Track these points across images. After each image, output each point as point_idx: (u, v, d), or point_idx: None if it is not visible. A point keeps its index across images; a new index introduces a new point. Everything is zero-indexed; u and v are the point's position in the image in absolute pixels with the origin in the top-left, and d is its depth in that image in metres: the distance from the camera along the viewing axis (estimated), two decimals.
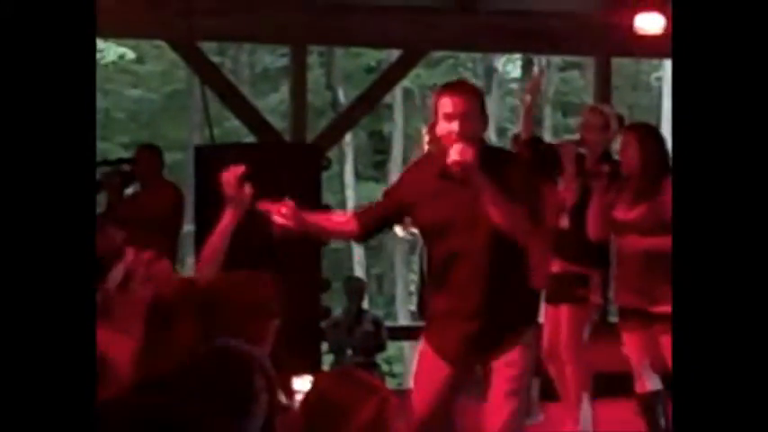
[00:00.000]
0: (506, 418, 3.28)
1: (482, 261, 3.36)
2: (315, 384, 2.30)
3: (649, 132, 4.76)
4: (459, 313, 3.39)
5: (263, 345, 2.55)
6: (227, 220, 2.94)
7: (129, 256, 3.27)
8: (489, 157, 3.34)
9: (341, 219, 4.02)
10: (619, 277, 4.83)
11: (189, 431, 1.69)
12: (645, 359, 4.60)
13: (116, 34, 9.94)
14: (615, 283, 4.93)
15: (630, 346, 4.66)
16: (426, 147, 5.23)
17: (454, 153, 3.25)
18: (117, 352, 2.38)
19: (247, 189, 2.91)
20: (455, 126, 3.35)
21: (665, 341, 4.32)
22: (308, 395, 2.18)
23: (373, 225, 3.70)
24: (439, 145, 3.79)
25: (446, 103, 3.41)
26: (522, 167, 3.75)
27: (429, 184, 3.52)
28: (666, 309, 4.05)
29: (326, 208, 6.63)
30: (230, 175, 2.89)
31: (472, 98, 3.52)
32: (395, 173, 12.53)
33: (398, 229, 6.83)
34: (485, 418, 3.38)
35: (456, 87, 3.64)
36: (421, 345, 3.60)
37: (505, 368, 3.31)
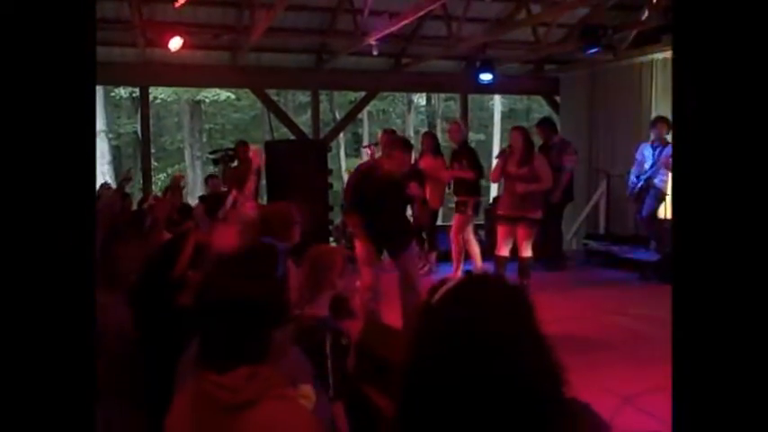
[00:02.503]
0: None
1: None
2: (311, 251, 3.02)
3: (521, 128, 7.25)
4: None
5: (294, 237, 3.47)
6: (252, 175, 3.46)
7: (233, 195, 4.88)
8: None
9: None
10: (503, 200, 7.15)
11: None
12: (506, 240, 6.97)
13: (225, 86, 15.08)
14: (500, 203, 7.26)
15: (500, 233, 7.00)
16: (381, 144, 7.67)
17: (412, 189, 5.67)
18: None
19: (261, 159, 3.32)
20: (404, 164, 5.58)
21: (519, 232, 6.85)
22: (309, 254, 2.94)
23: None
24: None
25: (400, 153, 5.48)
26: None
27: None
28: (522, 215, 6.76)
29: (330, 171, 10.64)
30: (252, 152, 3.33)
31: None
32: (363, 154, 20.44)
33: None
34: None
35: (406, 145, 5.70)
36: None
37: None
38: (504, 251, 6.95)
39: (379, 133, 9.62)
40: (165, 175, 20.93)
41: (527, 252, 6.94)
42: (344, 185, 6.78)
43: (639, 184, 8.50)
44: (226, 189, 7.55)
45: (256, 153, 3.65)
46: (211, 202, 7.65)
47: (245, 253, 2.24)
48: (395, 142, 5.87)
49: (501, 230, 6.94)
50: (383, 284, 5.62)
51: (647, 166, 8.45)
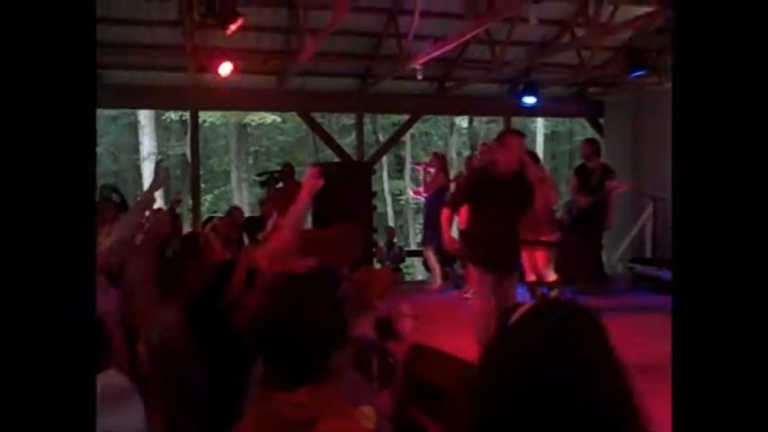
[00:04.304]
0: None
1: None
2: (360, 272, 3.21)
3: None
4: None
5: (349, 260, 3.69)
6: (305, 197, 3.09)
7: (273, 218, 4.94)
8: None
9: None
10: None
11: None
12: (528, 265, 6.92)
13: (272, 109, 15.37)
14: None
15: (523, 259, 6.75)
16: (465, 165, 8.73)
17: (534, 169, 5.06)
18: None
19: (319, 181, 3.08)
20: (520, 151, 5.03)
21: (537, 255, 6.91)
22: (355, 276, 3.14)
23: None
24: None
25: (515, 139, 5.12)
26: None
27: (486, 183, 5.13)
28: (537, 238, 6.68)
29: (374, 193, 11.15)
30: (311, 172, 3.13)
31: (524, 138, 5.25)
32: (407, 176, 21.35)
33: (410, 195, 11.42)
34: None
35: (519, 132, 5.37)
36: None
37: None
38: (532, 276, 6.87)
39: (428, 156, 10.07)
40: (211, 196, 21.31)
41: (551, 276, 6.82)
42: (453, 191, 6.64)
43: None
44: (262, 213, 7.78)
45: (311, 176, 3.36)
46: (253, 225, 8.00)
47: (307, 275, 2.28)
48: (504, 133, 5.67)
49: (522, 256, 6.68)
50: (434, 308, 5.53)
51: None
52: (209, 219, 8.37)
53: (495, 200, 5.05)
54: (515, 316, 1.29)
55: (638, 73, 9.01)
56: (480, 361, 1.33)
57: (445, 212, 5.61)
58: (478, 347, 4.68)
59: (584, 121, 13.87)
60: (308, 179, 3.06)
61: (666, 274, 8.85)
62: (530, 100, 10.43)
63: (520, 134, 5.37)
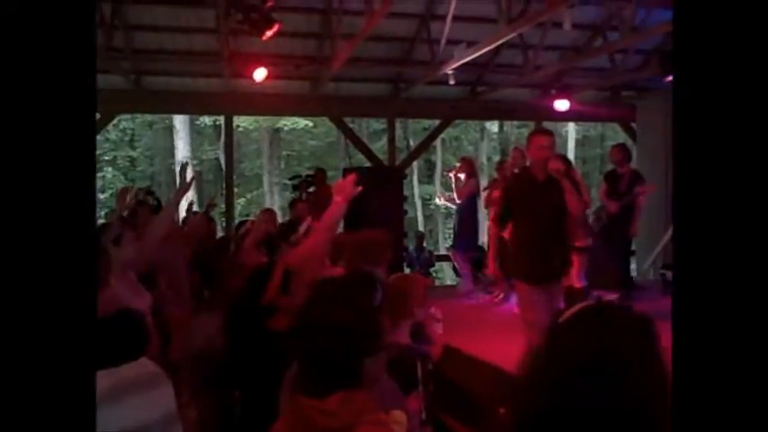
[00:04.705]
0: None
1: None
2: (392, 279, 3.15)
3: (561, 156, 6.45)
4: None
5: (384, 264, 3.47)
6: (341, 203, 3.05)
7: (307, 221, 4.83)
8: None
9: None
10: None
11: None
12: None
13: (305, 114, 15.28)
14: None
15: None
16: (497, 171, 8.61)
17: (556, 166, 4.65)
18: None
19: (356, 188, 3.09)
20: (549, 151, 4.70)
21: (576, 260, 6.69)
22: (390, 283, 2.99)
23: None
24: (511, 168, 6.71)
25: (542, 139, 4.80)
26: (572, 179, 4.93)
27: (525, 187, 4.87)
28: (571, 244, 5.96)
29: (405, 198, 10.95)
30: (348, 179, 3.15)
31: (553, 138, 4.88)
32: (437, 180, 20.97)
33: (437, 200, 11.13)
34: None
35: (547, 131, 5.01)
36: None
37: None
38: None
39: (458, 160, 10.02)
40: (244, 200, 21.53)
41: (580, 281, 6.71)
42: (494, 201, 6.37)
43: None
44: (293, 216, 7.76)
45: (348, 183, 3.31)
46: (287, 227, 8.14)
47: (343, 280, 2.31)
48: (532, 132, 5.38)
49: None
50: (463, 312, 5.40)
51: None
52: (242, 222, 8.44)
53: (534, 204, 4.86)
54: (559, 321, 1.28)
55: (672, 77, 8.88)
56: (523, 370, 1.30)
57: (492, 231, 5.49)
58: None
59: (616, 125, 13.76)
60: (345, 185, 3.06)
61: None
62: (562, 105, 10.36)
63: (547, 132, 5.11)
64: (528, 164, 5.22)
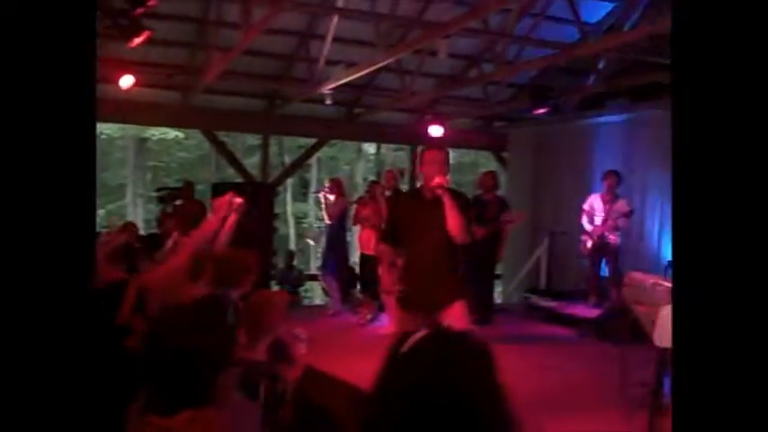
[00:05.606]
0: None
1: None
2: (255, 295, 3.11)
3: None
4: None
5: (246, 285, 3.39)
6: (214, 223, 3.13)
7: (174, 236, 4.90)
8: (449, 190, 4.29)
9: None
10: None
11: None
12: None
13: (175, 126, 15.02)
14: None
15: None
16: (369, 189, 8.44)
17: (438, 180, 4.19)
18: None
19: (238, 204, 3.14)
20: (438, 167, 4.25)
21: None
22: (250, 300, 3.02)
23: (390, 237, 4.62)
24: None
25: (432, 154, 4.35)
26: (463, 198, 4.47)
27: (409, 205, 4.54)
28: None
29: (275, 216, 11.59)
30: (225, 197, 3.16)
31: (445, 153, 4.39)
32: (311, 199, 20.84)
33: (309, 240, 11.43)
34: None
35: (438, 146, 4.52)
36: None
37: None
38: None
39: (327, 181, 9.89)
40: (104, 211, 20.50)
41: None
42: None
43: (592, 243, 8.68)
44: (161, 230, 7.42)
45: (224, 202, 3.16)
46: (149, 241, 7.71)
47: (194, 305, 2.20)
48: (424, 147, 4.79)
49: None
50: (330, 332, 5.32)
51: (598, 220, 8.61)
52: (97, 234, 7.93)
53: (420, 223, 4.45)
54: (408, 344, 1.29)
55: (541, 110, 9.31)
56: (372, 389, 1.32)
57: (381, 248, 5.21)
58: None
59: (489, 153, 14.23)
60: (222, 204, 2.94)
61: (560, 305, 9.10)
62: (436, 130, 10.60)
63: (438, 147, 4.62)
64: (408, 184, 5.12)
